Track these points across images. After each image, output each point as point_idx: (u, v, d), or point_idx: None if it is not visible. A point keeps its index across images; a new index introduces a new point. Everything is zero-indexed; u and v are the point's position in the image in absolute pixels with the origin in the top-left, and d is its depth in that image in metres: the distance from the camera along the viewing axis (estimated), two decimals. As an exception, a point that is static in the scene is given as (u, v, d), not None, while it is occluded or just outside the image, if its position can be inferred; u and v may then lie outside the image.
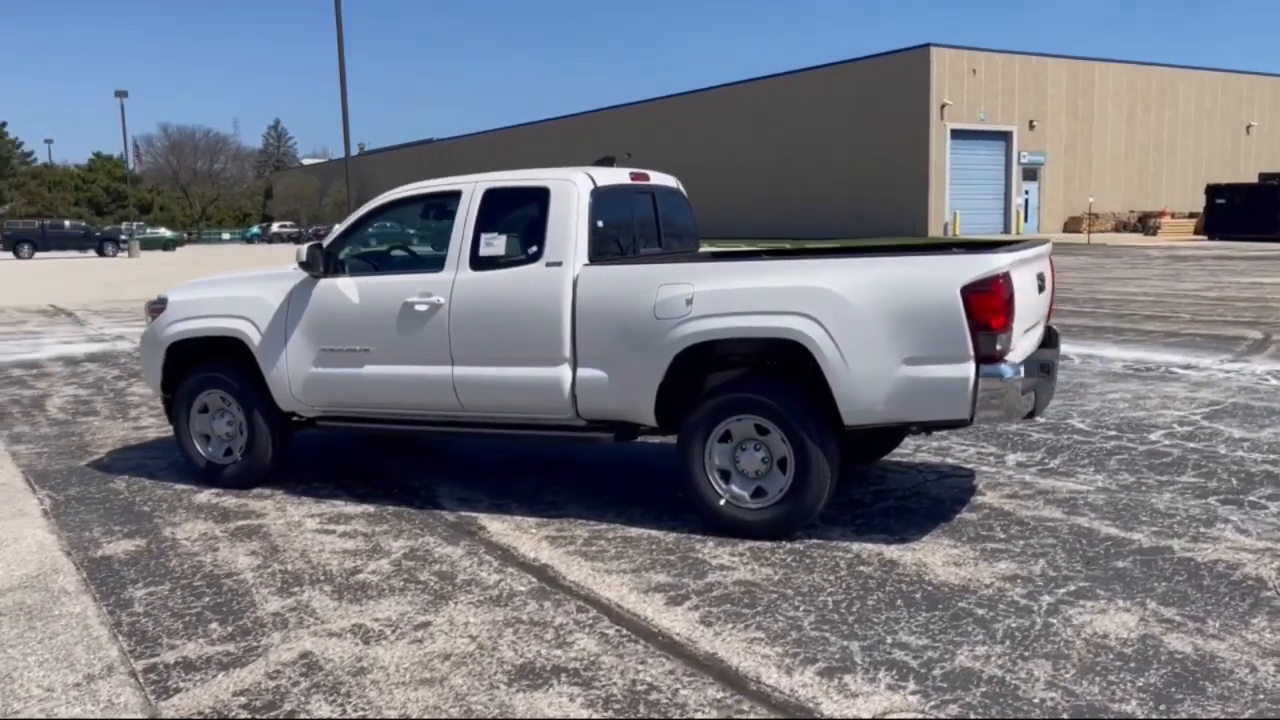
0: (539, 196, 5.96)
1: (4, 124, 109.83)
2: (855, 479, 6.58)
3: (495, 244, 6.02)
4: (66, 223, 63.48)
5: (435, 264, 6.19)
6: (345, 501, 6.42)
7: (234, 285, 6.87)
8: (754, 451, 5.47)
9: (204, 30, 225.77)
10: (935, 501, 6.07)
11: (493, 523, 5.91)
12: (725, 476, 5.52)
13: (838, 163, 53.74)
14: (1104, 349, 12.11)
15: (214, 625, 4.54)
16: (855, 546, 5.30)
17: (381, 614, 4.61)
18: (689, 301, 5.45)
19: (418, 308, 6.08)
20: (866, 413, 5.20)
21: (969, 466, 6.83)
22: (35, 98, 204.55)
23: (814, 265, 5.41)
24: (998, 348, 5.01)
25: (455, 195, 6.23)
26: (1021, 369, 5.09)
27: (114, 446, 8.19)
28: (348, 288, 6.35)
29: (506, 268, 5.93)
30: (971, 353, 5.00)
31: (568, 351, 5.74)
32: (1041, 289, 5.77)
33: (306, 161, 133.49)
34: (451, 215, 6.18)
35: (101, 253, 57.96)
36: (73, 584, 5.10)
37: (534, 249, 5.88)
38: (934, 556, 5.11)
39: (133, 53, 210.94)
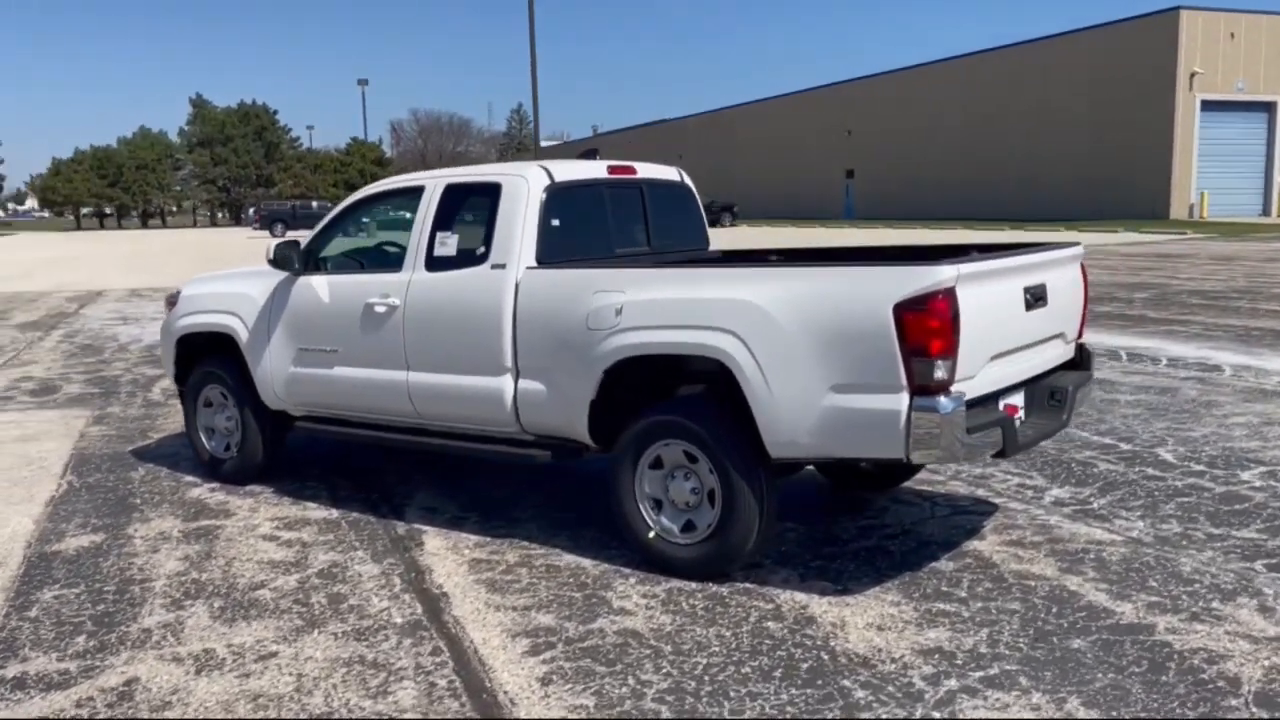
0: (491, 193, 5.57)
1: (275, 112, 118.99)
2: (852, 509, 5.86)
3: (448, 244, 5.69)
4: (314, 204, 68.05)
5: (397, 264, 5.92)
6: (321, 505, 6.28)
7: (230, 280, 6.85)
8: (684, 481, 4.90)
9: (456, 19, 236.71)
10: (921, 544, 5.29)
11: (435, 539, 5.61)
12: (657, 506, 4.99)
13: (1065, 140, 50.06)
14: (1273, 361, 10.48)
15: (81, 639, 4.46)
16: (784, 596, 4.65)
17: (240, 639, 4.40)
18: (618, 312, 4.94)
19: (377, 309, 5.84)
20: (792, 444, 4.53)
21: (997, 501, 5.94)
22: (297, 85, 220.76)
23: (740, 275, 4.77)
24: (937, 377, 4.22)
25: (419, 191, 5.93)
26: (963, 404, 4.27)
27: (169, 434, 8.44)
28: (320, 286, 6.18)
29: (457, 269, 5.59)
30: (904, 382, 4.24)
31: (509, 360, 5.34)
32: (1039, 304, 4.86)
33: (544, 144, 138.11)
34: (415, 212, 5.89)
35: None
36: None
37: (482, 250, 5.51)
38: (862, 616, 4.40)
39: (377, 39, 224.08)
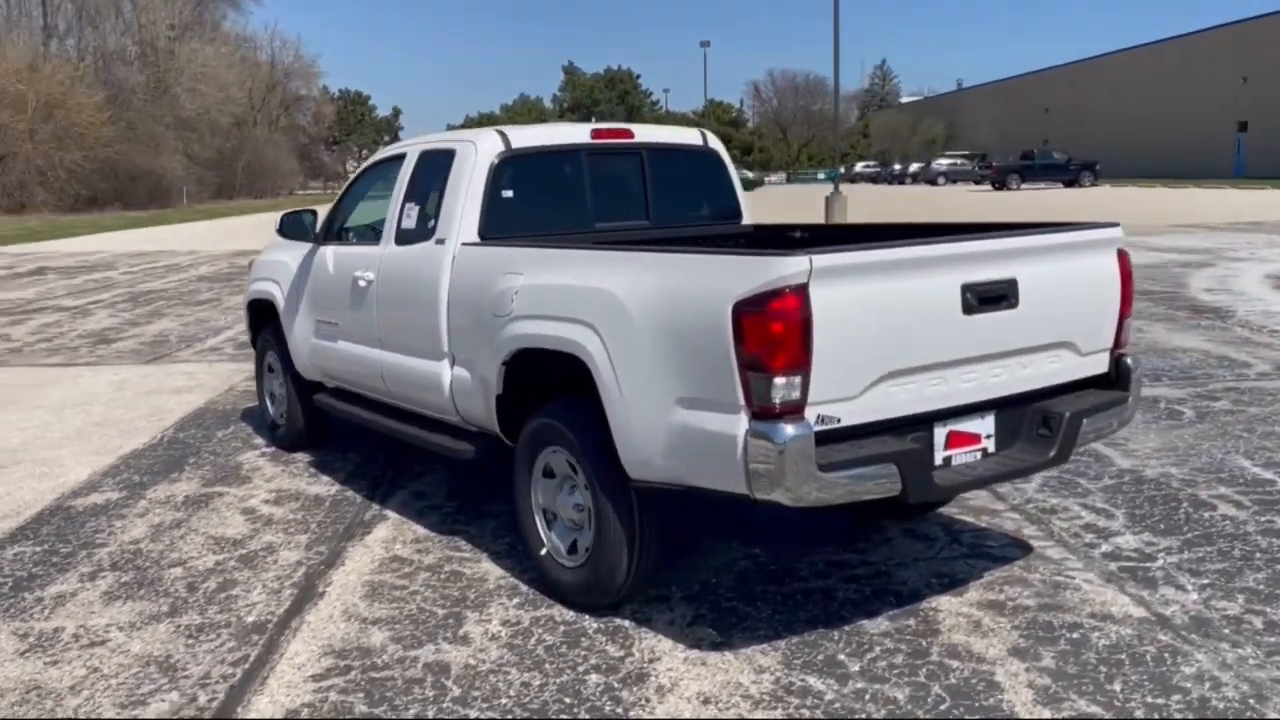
0: (448, 161, 5.12)
1: (638, 76, 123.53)
2: (846, 536, 4.91)
3: (411, 216, 5.32)
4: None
5: (379, 237, 5.64)
6: (330, 481, 6.19)
7: (278, 249, 6.88)
8: (569, 494, 4.28)
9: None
10: (877, 592, 4.31)
11: (386, 529, 5.32)
12: (551, 521, 4.39)
13: None
14: None
15: (-18, 599, 4.59)
16: (650, 641, 3.93)
17: (98, 620, 4.32)
18: (514, 298, 4.37)
19: (359, 283, 5.61)
20: (646, 465, 3.78)
21: (1039, 543, 4.76)
22: (657, 50, 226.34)
23: (605, 259, 4.03)
24: (780, 397, 3.32)
25: (400, 159, 5.60)
26: (810, 433, 3.32)
27: (293, 393, 8.73)
28: (329, 258, 6.04)
29: (414, 243, 5.21)
30: (742, 401, 3.38)
31: (445, 344, 4.91)
32: (999, 305, 3.72)
33: (904, 100, 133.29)
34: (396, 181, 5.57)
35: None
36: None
37: (432, 223, 5.10)
38: (704, 682, 3.61)
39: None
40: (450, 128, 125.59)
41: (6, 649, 4.07)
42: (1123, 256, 4.17)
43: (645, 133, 5.46)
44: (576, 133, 5.29)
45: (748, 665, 3.71)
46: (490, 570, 4.70)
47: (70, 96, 47.67)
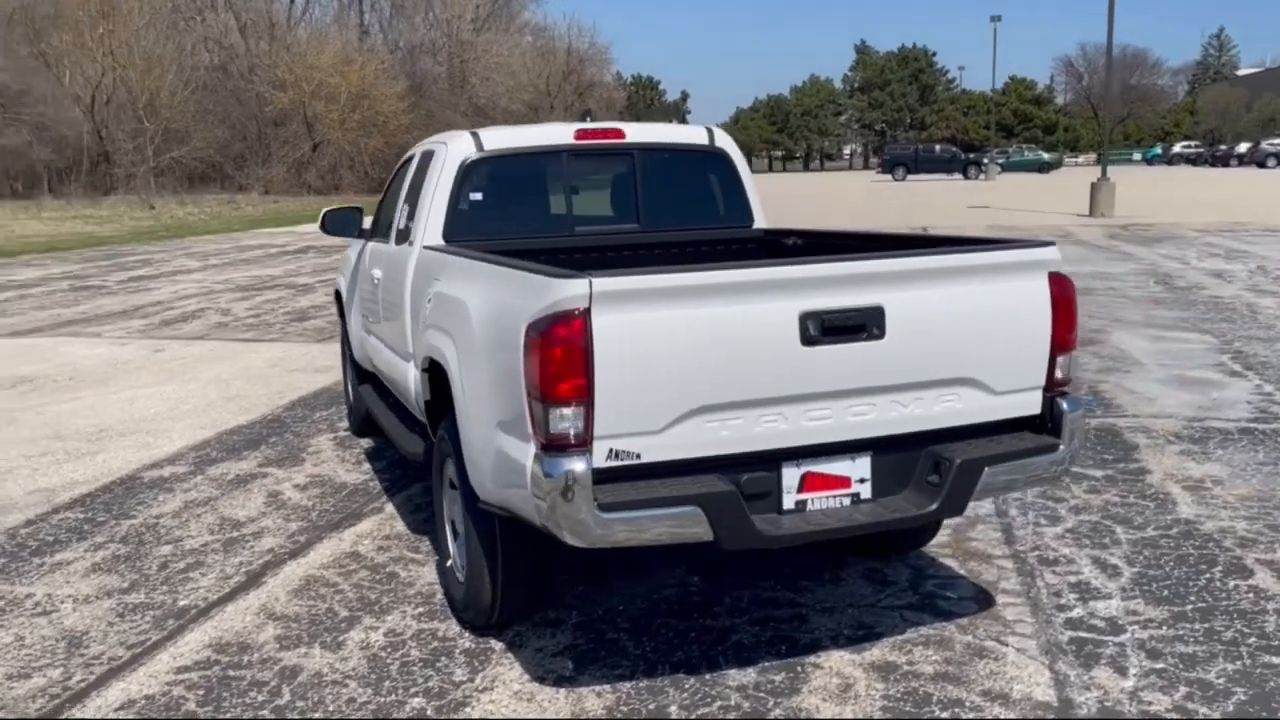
0: (428, 162, 5.15)
1: (934, 54, 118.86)
2: (802, 570, 4.54)
3: (403, 216, 5.39)
4: (937, 147, 67.20)
5: (394, 235, 5.75)
6: (370, 467, 6.42)
7: (353, 243, 7.14)
8: (459, 508, 4.20)
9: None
10: (784, 639, 3.94)
11: (373, 522, 5.45)
12: (456, 534, 4.34)
13: None
14: None
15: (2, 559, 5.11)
16: (495, 671, 3.80)
17: (70, 590, 4.68)
18: (428, 303, 4.34)
19: (375, 280, 5.76)
20: (482, 487, 3.64)
21: (1004, 601, 4.20)
22: (952, 22, 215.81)
23: (471, 269, 3.88)
24: (559, 428, 3.10)
25: (413, 159, 5.68)
26: (587, 469, 3.07)
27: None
28: (365, 254, 6.23)
29: (401, 244, 5.29)
30: (530, 430, 3.18)
31: (410, 344, 4.96)
32: (857, 336, 3.27)
33: (1242, 72, 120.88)
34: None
35: (965, 175, 60.14)
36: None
37: (410, 224, 5.15)
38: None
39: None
40: (740, 111, 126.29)
41: (-29, 610, 4.50)
42: (1058, 281, 3.57)
43: (639, 132, 5.23)
44: (559, 133, 5.15)
45: (571, 708, 3.50)
46: (425, 576, 4.70)
47: (375, 87, 51.90)
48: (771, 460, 3.34)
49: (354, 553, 5.01)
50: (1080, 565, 4.51)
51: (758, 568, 4.59)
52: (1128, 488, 5.50)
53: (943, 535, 4.91)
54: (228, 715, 3.54)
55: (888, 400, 3.39)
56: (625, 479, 3.18)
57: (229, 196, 47.36)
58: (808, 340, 3.23)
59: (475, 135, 5.00)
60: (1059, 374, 3.62)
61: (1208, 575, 4.35)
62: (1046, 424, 3.63)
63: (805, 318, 3.22)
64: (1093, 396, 7.52)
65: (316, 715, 3.52)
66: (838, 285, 3.28)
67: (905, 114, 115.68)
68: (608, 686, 3.63)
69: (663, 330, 3.11)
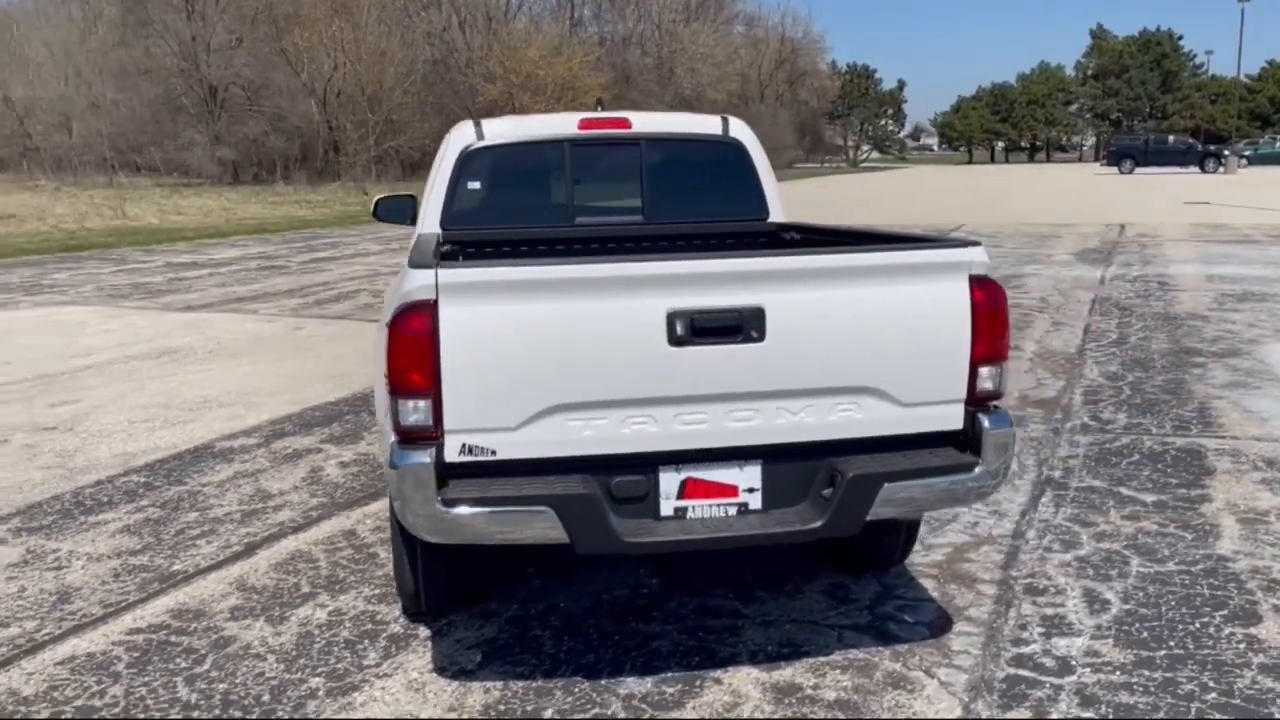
0: (439, 151, 5.23)
1: (1180, 37, 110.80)
2: (777, 578, 4.36)
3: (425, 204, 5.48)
4: (1170, 137, 62.72)
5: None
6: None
7: None
8: (408, 495, 4.24)
9: None
10: (703, 651, 3.78)
11: (380, 504, 5.56)
12: (404, 521, 4.39)
13: None
14: None
15: (52, 517, 5.56)
16: (407, 655, 3.83)
17: (91, 548, 5.02)
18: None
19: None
20: (385, 478, 3.66)
21: (960, 629, 3.88)
22: (1202, 2, 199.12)
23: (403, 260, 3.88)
24: (409, 420, 3.09)
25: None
26: (427, 462, 3.02)
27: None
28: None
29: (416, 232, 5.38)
30: (389, 423, 3.19)
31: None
32: (731, 338, 3.08)
33: None
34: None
35: (1203, 168, 55.86)
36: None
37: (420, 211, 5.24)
38: (380, 710, 3.46)
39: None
40: (961, 100, 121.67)
41: (5, 559, 4.90)
42: (982, 286, 3.24)
43: (647, 122, 5.11)
44: (562, 124, 5.10)
45: (451, 702, 3.49)
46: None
47: (579, 78, 53.07)
48: (647, 464, 3.20)
49: (350, 531, 5.15)
50: (1067, 598, 4.11)
51: (721, 574, 4.43)
52: (1173, 515, 4.97)
53: (938, 554, 4.60)
54: (155, 679, 3.70)
55: (773, 407, 3.19)
56: (485, 475, 3.13)
57: (440, 184, 49.58)
58: (675, 340, 3.08)
59: (478, 125, 5.03)
60: (986, 386, 3.30)
61: (1205, 620, 3.88)
62: (966, 439, 3.32)
63: (673, 316, 3.07)
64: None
65: (221, 686, 3.64)
66: (710, 284, 3.10)
67: (1144, 103, 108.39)
68: (500, 684, 3.59)
69: (516, 325, 3.03)
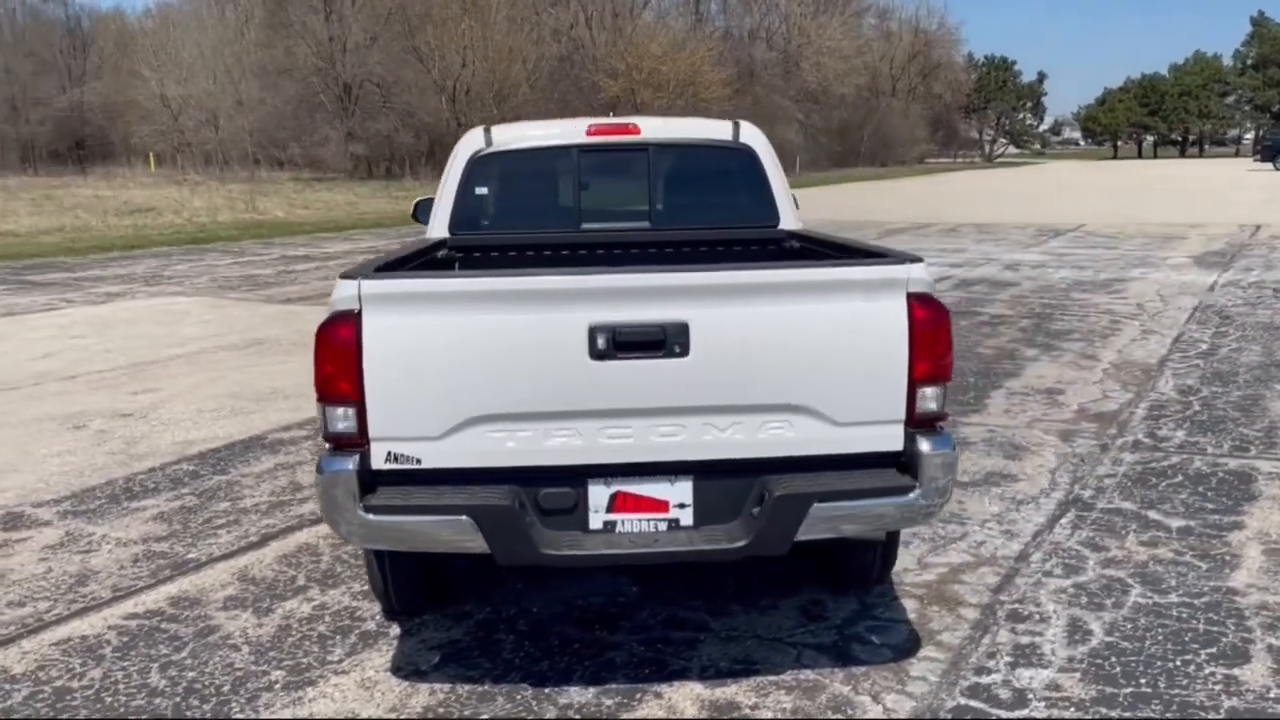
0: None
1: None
2: (753, 592, 4.31)
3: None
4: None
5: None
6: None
7: None
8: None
9: None
10: (655, 664, 3.77)
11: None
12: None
13: None
14: None
15: (97, 500, 5.88)
16: (368, 654, 3.92)
17: (123, 534, 5.31)
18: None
19: (437, 270, 6.02)
20: None
21: (923, 654, 3.77)
22: None
23: None
24: (331, 428, 3.19)
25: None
26: (351, 469, 3.10)
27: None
28: (450, 244, 6.49)
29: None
30: (322, 429, 3.27)
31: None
32: (654, 352, 3.05)
33: None
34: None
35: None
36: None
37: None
38: (325, 707, 3.56)
39: None
40: (1108, 92, 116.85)
41: (44, 541, 5.21)
42: (923, 303, 3.13)
43: (656, 128, 5.10)
44: (570, 130, 5.13)
45: (395, 703, 3.56)
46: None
47: (700, 74, 52.98)
48: (576, 476, 3.21)
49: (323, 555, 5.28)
50: (1049, 627, 3.94)
51: (700, 586, 4.39)
52: (1195, 543, 4.71)
53: (931, 574, 4.48)
54: (132, 665, 3.89)
55: (699, 423, 3.15)
56: (413, 483, 3.18)
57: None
58: (597, 354, 3.07)
59: (487, 131, 5.09)
60: (929, 407, 3.19)
61: (1188, 657, 3.67)
62: (905, 463, 3.22)
63: (595, 330, 3.07)
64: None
65: (190, 674, 3.80)
66: (633, 298, 3.09)
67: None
68: (447, 686, 3.65)
69: (438, 335, 3.08)
